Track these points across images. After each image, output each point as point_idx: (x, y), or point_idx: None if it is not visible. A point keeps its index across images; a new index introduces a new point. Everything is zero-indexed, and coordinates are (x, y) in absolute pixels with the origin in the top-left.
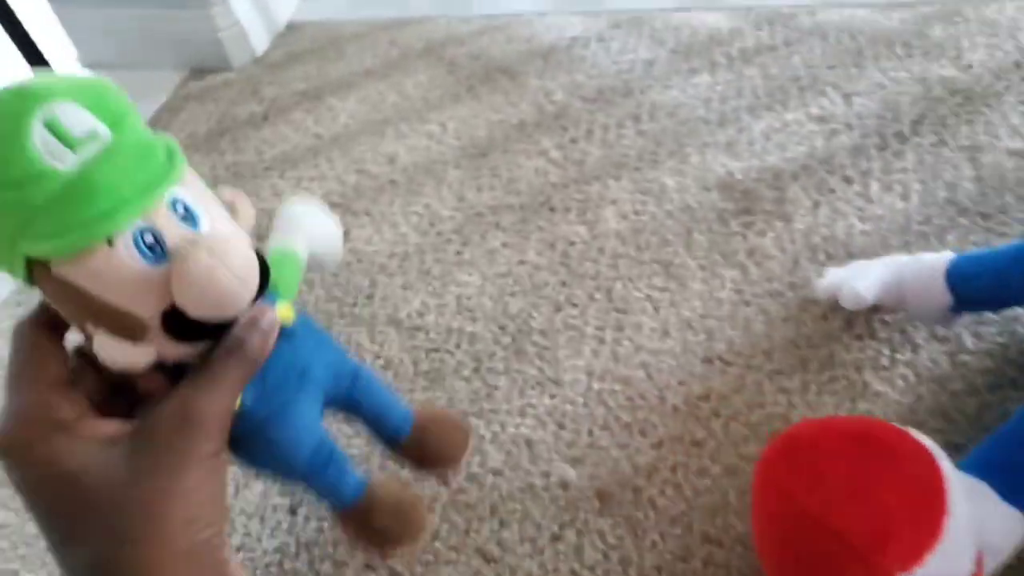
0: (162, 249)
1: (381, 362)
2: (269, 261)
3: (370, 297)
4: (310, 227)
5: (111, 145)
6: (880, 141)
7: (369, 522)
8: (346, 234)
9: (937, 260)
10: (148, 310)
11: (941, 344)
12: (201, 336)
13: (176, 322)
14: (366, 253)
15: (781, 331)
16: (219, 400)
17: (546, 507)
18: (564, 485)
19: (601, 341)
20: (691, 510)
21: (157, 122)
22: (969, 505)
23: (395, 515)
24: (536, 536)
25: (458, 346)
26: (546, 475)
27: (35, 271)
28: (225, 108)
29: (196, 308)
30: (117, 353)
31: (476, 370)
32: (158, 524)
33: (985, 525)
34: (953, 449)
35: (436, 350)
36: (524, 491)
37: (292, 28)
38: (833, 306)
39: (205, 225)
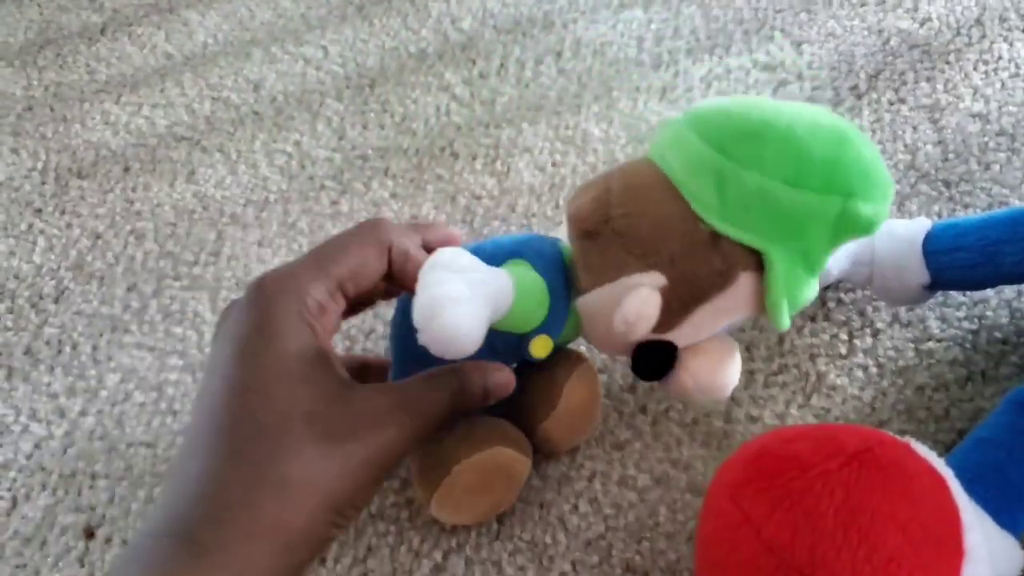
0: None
1: None
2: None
3: (215, 255)
4: None
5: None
6: (834, 95)
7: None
8: (192, 174)
9: (913, 230)
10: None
11: (905, 329)
12: (640, 368)
13: (646, 357)
14: (214, 199)
15: None
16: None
17: (427, 528)
18: None
19: None
20: (611, 532)
21: None
22: (981, 538)
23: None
24: (413, 567)
25: None
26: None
27: (740, 252)
28: (51, 15)
29: (700, 391)
30: (647, 307)
31: (349, 351)
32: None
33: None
34: None
35: None
36: (400, 507)
37: None
38: None
39: None
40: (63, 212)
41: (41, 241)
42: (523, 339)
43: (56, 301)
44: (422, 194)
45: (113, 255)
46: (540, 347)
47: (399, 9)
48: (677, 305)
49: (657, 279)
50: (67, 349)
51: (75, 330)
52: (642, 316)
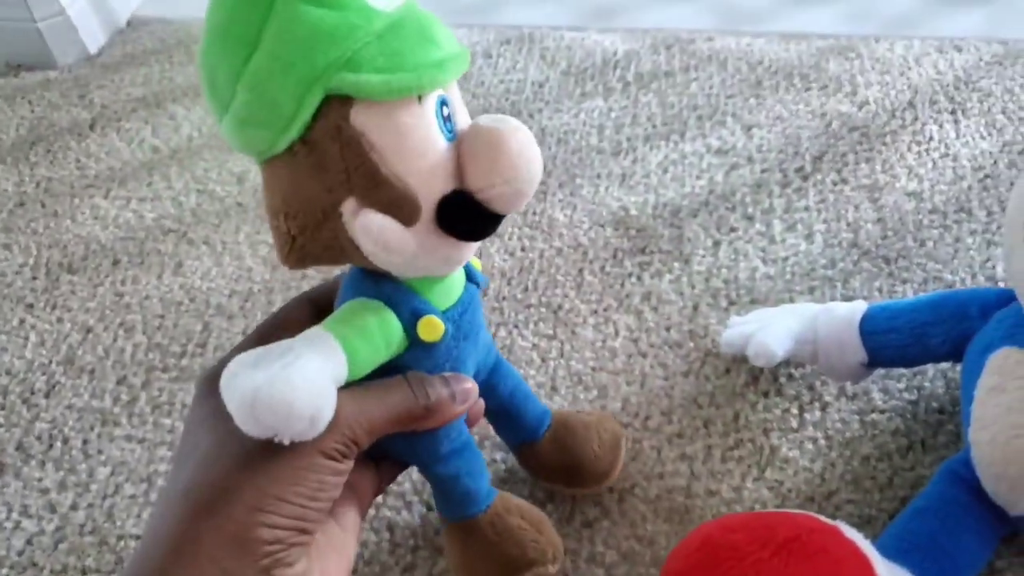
0: (452, 126)
1: None
2: None
3: (202, 346)
4: None
5: (411, 6)
6: (782, 177)
7: (491, 544)
8: (179, 266)
9: (850, 312)
10: (429, 191)
11: (851, 401)
12: (470, 232)
13: (451, 210)
14: (200, 291)
15: (681, 387)
16: (368, 417)
17: None
18: None
19: None
20: None
21: None
22: None
23: (521, 536)
24: None
25: None
26: (409, 569)
27: (324, 120)
28: (43, 112)
29: (504, 184)
30: (388, 232)
31: None
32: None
33: None
34: (866, 522)
35: None
36: None
37: (134, 25)
38: (736, 358)
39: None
40: (54, 307)
41: (33, 336)
42: (414, 344)
43: (47, 396)
44: None
45: (103, 348)
46: (427, 330)
47: None
48: (371, 189)
49: (350, 207)
50: (58, 443)
51: (66, 424)
52: (379, 236)
